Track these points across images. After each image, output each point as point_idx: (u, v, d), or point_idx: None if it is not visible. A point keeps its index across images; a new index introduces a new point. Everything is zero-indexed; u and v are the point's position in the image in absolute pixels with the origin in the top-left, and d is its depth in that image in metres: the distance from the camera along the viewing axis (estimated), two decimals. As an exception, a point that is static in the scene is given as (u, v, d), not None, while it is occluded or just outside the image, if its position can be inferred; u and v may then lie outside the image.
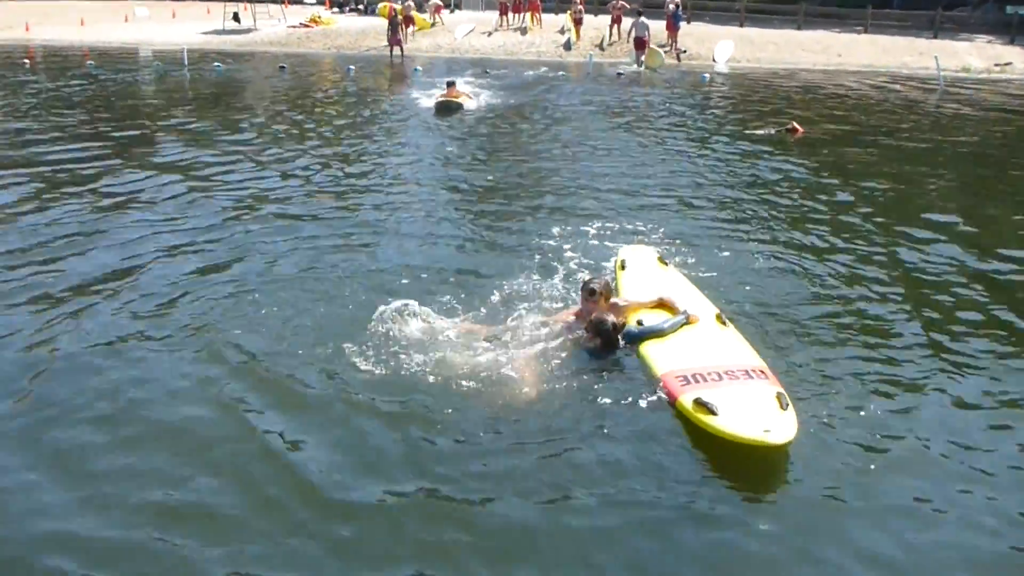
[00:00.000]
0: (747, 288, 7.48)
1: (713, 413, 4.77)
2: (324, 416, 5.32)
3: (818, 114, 18.63)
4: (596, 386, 5.58)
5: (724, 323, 5.95)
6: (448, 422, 5.21)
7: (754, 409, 4.83)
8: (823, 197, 11.06)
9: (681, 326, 5.87)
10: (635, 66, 28.46)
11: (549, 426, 5.18)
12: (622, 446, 4.97)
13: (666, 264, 7.27)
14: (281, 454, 4.95)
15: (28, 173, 11.90)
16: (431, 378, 5.62)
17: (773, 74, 27.03)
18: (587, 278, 6.68)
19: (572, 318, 6.31)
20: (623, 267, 7.22)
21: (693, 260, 8.08)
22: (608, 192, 11.10)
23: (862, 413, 5.33)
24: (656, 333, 5.81)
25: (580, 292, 6.41)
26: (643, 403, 5.36)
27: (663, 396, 5.29)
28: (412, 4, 35.80)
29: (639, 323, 5.98)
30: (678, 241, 8.73)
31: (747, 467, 4.75)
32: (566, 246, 8.48)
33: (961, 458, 4.98)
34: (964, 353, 6.34)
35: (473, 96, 18.78)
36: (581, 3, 33.00)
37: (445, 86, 18.34)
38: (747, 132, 15.89)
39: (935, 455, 5.00)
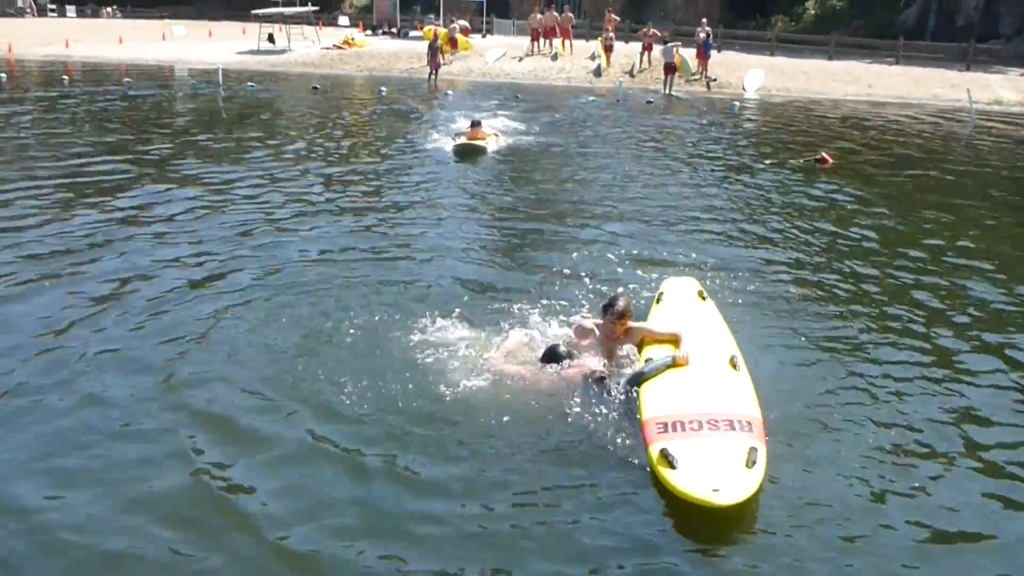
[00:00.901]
0: (775, 327, 7.35)
1: (672, 466, 4.64)
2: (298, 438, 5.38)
3: (849, 145, 18.57)
4: (583, 425, 5.48)
5: (735, 367, 5.74)
6: (426, 444, 5.25)
7: (716, 464, 4.67)
8: (855, 230, 10.98)
9: (665, 368, 5.70)
10: (665, 91, 28.66)
11: (523, 462, 5.11)
12: (589, 492, 4.86)
13: (704, 298, 7.07)
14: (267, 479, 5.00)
15: (55, 185, 12.16)
16: (415, 395, 5.72)
17: (803, 104, 27.02)
18: (613, 296, 6.54)
19: (591, 327, 6.26)
20: (659, 300, 7.08)
21: (725, 293, 7.98)
22: (637, 219, 11.11)
23: (853, 481, 5.05)
24: (643, 377, 5.67)
25: (606, 311, 6.24)
26: (623, 448, 5.24)
27: (642, 441, 5.13)
28: (457, 26, 36.35)
29: (648, 360, 5.88)
30: (709, 273, 8.63)
31: (707, 523, 4.57)
32: (583, 271, 8.43)
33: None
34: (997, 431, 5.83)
35: (498, 136, 16.71)
36: (612, 30, 33.22)
37: (469, 125, 16.31)
38: (777, 162, 15.87)
39: (913, 542, 4.59)
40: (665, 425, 5.06)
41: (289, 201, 11.65)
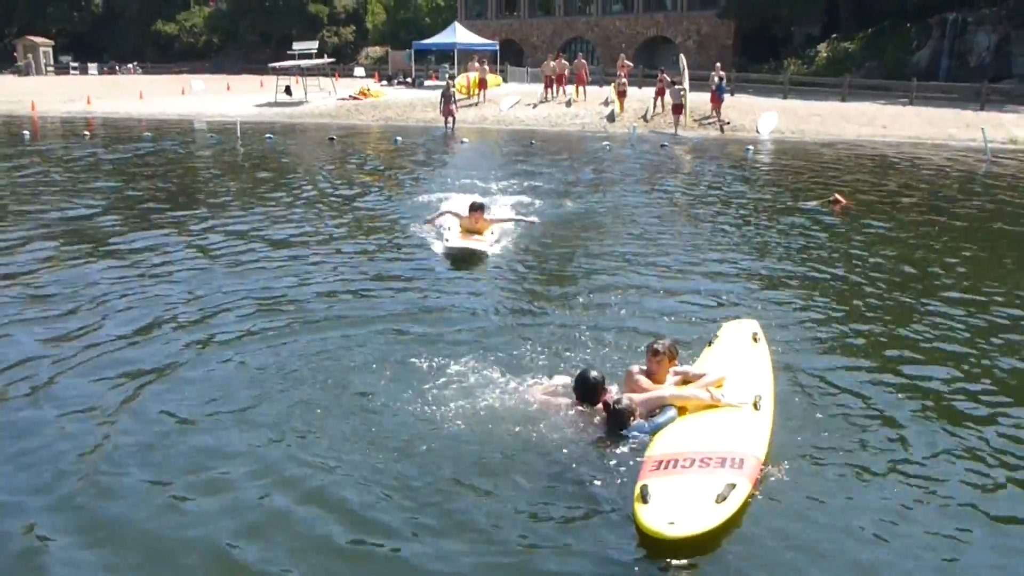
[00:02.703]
0: (817, 368, 7.30)
1: (645, 501, 4.71)
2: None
3: (864, 186, 18.50)
4: (592, 458, 5.60)
5: (758, 408, 5.79)
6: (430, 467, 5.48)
7: (685, 500, 4.75)
8: (876, 273, 10.87)
9: (671, 420, 5.78)
10: (674, 131, 29.13)
11: (521, 494, 5.25)
12: (578, 528, 4.95)
13: (757, 340, 7.02)
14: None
15: (71, 236, 12.35)
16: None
17: (817, 146, 27.03)
18: (653, 341, 6.62)
19: (639, 377, 6.30)
20: (711, 343, 7.12)
21: (773, 335, 7.82)
22: (664, 268, 10.92)
23: (850, 531, 4.95)
24: (655, 430, 5.73)
25: (652, 353, 6.37)
26: (621, 485, 5.28)
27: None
28: (487, 68, 37.02)
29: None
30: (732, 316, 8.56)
31: (673, 557, 4.59)
32: (586, 325, 8.27)
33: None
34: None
35: (500, 229, 12.26)
36: (625, 75, 33.50)
37: (468, 209, 11.94)
38: (791, 204, 15.83)
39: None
40: (660, 463, 5.17)
41: (299, 257, 11.58)
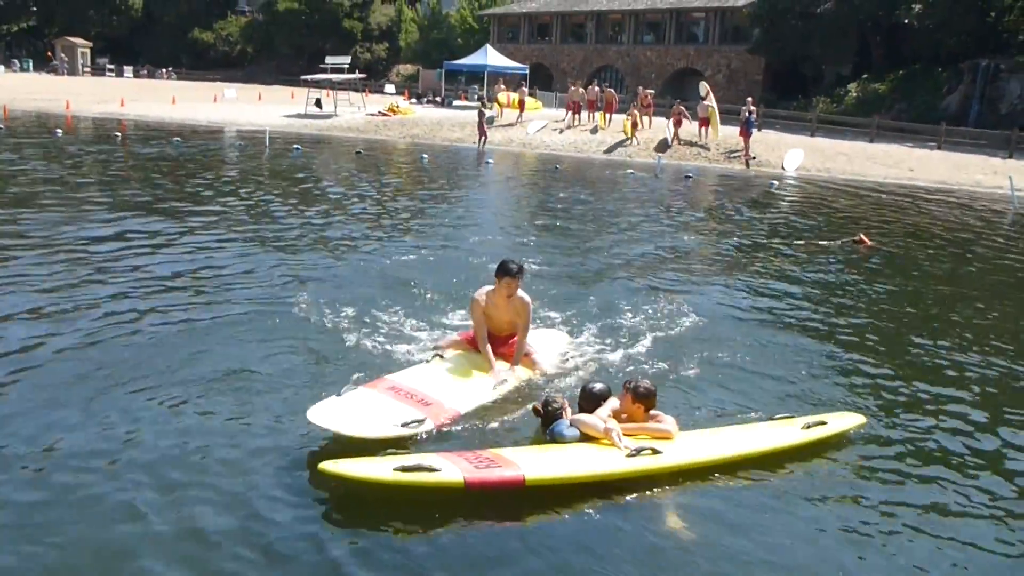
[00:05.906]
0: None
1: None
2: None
3: (888, 228, 18.40)
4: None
5: (632, 455, 5.65)
6: None
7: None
8: (899, 317, 10.74)
9: (573, 439, 5.92)
10: (704, 141, 32.36)
11: None
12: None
13: (808, 427, 6.35)
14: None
15: (93, 237, 12.34)
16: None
17: (842, 185, 26.95)
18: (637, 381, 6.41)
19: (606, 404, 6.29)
20: (778, 418, 6.71)
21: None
22: (687, 304, 10.20)
23: None
24: (554, 437, 6.01)
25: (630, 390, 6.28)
26: None
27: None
28: (525, 89, 37.79)
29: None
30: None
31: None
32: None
33: None
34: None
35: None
36: (644, 105, 34.27)
37: (496, 274, 7.22)
38: (813, 243, 15.73)
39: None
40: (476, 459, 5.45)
41: (309, 261, 11.64)
